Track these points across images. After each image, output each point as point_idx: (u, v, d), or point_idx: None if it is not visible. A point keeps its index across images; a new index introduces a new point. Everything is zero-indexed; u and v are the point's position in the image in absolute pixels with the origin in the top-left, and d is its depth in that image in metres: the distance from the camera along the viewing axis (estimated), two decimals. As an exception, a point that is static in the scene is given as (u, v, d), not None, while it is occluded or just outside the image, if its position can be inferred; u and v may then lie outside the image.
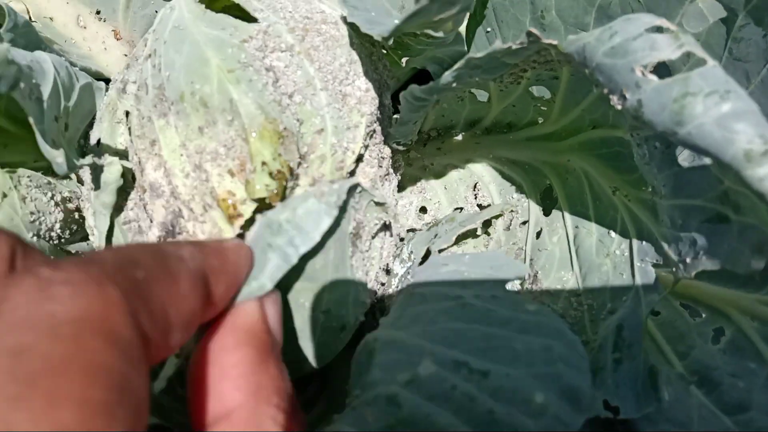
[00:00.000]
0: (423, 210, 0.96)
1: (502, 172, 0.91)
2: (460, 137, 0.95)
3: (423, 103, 0.67)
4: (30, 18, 0.96)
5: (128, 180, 0.68)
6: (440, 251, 0.78)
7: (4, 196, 0.73)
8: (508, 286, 0.64)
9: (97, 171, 0.67)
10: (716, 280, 0.75)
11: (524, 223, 0.85)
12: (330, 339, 0.67)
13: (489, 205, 0.90)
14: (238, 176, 0.61)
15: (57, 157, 0.60)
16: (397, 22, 0.56)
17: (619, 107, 0.51)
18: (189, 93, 0.61)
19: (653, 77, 0.47)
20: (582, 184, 0.77)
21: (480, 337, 0.55)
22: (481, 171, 0.93)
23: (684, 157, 0.60)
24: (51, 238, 0.79)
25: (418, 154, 0.97)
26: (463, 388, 0.51)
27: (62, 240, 0.81)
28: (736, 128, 0.42)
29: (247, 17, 0.66)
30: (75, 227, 0.83)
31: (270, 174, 0.60)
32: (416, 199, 0.97)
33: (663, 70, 0.48)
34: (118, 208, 0.68)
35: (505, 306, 0.57)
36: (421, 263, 0.73)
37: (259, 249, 0.53)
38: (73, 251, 0.83)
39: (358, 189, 0.62)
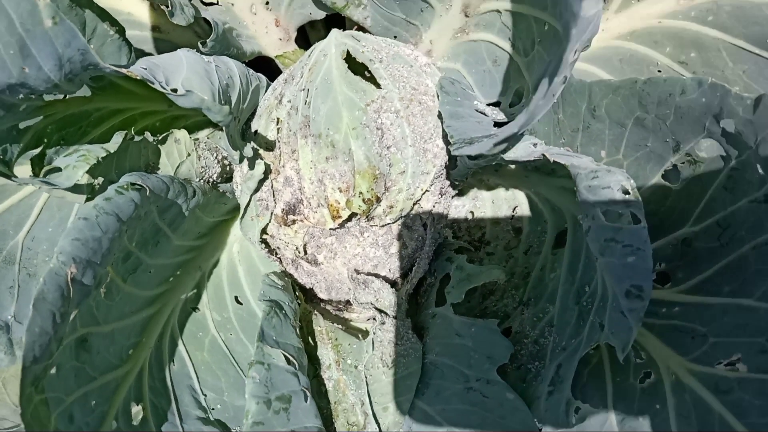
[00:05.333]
0: (470, 214, 1.25)
1: (536, 205, 1.18)
2: (513, 167, 1.22)
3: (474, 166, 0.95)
4: (218, 1, 1.26)
5: (266, 172, 1.01)
6: (454, 306, 1.03)
7: (188, 155, 1.07)
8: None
9: (252, 158, 1.00)
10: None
11: (538, 253, 1.13)
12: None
13: (521, 228, 1.19)
14: (344, 193, 0.93)
15: (234, 155, 0.93)
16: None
17: (581, 223, 0.78)
18: (325, 135, 0.91)
19: (603, 220, 0.74)
20: (583, 240, 1.04)
21: (478, 422, 0.88)
22: (522, 199, 1.21)
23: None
24: (210, 182, 1.14)
25: (479, 170, 1.25)
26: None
27: (216, 183, 1.16)
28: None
29: (374, 81, 0.95)
30: (225, 176, 1.17)
31: (363, 200, 0.92)
32: (469, 203, 1.26)
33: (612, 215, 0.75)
34: (255, 189, 1.01)
35: (495, 394, 0.91)
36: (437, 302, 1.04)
37: None
38: (221, 190, 1.18)
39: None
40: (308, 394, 0.94)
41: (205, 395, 1.14)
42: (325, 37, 1.43)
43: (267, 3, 1.29)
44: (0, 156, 0.87)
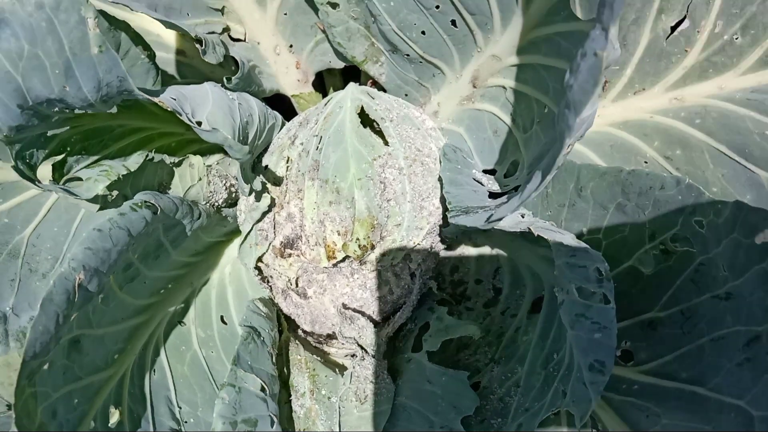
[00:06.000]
0: (455, 269, 1.32)
1: (518, 269, 1.25)
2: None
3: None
4: (245, 38, 1.34)
5: (271, 206, 1.07)
6: (429, 353, 1.08)
7: (200, 179, 1.14)
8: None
9: (260, 191, 1.06)
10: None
11: (514, 315, 1.19)
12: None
13: (501, 289, 1.25)
14: (341, 236, 1.00)
15: (245, 187, 1.00)
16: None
17: (557, 295, 0.85)
18: (332, 181, 0.99)
19: (576, 296, 0.81)
20: (557, 310, 1.10)
21: None
22: (505, 260, 1.27)
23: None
24: (214, 206, 1.21)
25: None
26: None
27: (221, 207, 1.23)
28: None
29: (383, 137, 1.02)
30: (230, 201, 1.24)
31: (359, 245, 0.98)
32: (455, 259, 1.33)
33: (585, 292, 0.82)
34: (258, 220, 1.08)
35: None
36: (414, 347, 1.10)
37: None
38: (224, 213, 1.24)
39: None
40: (275, 419, 0.99)
41: (180, 408, 1.19)
42: (340, 83, 1.52)
43: (291, 46, 1.37)
44: (27, 160, 0.93)
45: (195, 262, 1.30)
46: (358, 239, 0.98)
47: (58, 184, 0.96)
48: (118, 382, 1.11)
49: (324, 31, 1.30)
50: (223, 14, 1.28)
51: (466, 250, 1.29)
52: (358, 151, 0.99)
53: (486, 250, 1.29)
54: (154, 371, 1.20)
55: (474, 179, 1.05)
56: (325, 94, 1.49)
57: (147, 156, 1.02)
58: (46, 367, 0.90)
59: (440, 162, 1.05)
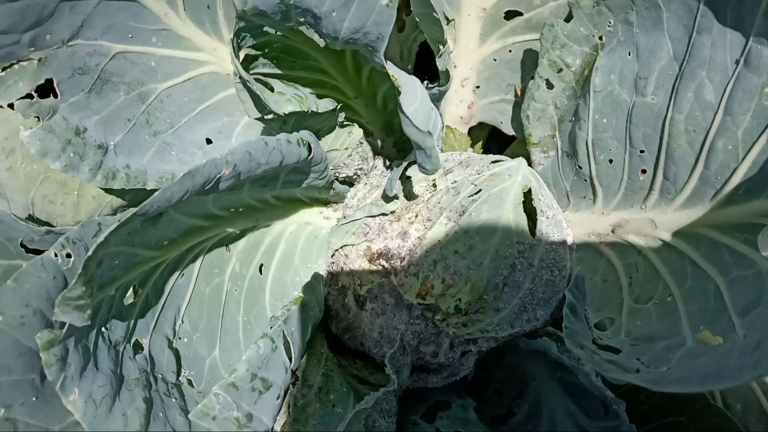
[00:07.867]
0: (483, 367, 1.30)
1: (540, 406, 1.23)
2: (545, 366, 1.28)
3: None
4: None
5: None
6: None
7: (346, 149, 1.13)
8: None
9: (393, 196, 1.05)
10: None
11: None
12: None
13: (515, 413, 1.24)
14: (443, 286, 0.98)
15: (394, 186, 0.99)
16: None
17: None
18: (471, 235, 0.98)
19: None
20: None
21: None
22: (533, 392, 1.26)
23: None
24: (335, 175, 1.19)
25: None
26: None
27: (337, 180, 1.21)
28: None
29: (533, 227, 1.02)
30: (347, 181, 1.23)
31: (456, 306, 0.97)
32: (490, 359, 1.31)
33: None
34: (372, 215, 1.06)
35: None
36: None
37: None
38: (334, 186, 1.22)
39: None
40: (282, 395, 0.96)
41: (182, 322, 1.15)
42: (484, 140, 1.52)
43: (477, 87, 1.38)
44: (239, 39, 0.92)
45: (273, 205, 1.28)
46: (459, 300, 0.97)
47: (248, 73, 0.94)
48: (152, 267, 1.08)
49: (517, 95, 1.31)
50: (447, 24, 1.28)
51: (505, 360, 1.28)
52: (508, 228, 0.98)
53: (521, 371, 1.28)
54: (182, 275, 1.16)
55: (585, 315, 1.05)
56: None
57: (335, 108, 1.01)
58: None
59: (567, 281, 1.05)
